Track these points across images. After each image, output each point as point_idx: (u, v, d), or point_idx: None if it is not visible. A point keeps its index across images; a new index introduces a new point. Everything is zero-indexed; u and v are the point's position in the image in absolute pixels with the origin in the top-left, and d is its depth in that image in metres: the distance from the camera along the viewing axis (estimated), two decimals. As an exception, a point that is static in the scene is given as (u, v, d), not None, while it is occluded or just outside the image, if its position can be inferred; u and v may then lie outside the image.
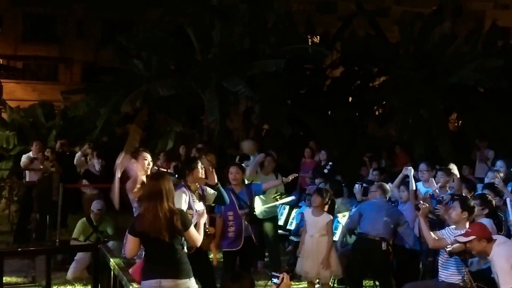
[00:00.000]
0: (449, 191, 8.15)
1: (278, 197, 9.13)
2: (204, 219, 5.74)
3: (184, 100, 15.56)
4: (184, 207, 6.15)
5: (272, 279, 4.52)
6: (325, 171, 11.07)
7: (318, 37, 19.67)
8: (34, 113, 17.67)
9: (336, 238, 8.28)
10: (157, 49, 15.80)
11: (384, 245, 7.33)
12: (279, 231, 9.66)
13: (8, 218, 12.68)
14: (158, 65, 16.00)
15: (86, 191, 12.49)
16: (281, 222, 10.06)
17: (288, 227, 10.18)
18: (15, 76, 31.03)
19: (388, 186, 8.05)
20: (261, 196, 8.74)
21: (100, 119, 16.26)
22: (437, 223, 7.26)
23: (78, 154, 13.17)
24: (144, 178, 6.06)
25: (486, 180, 8.42)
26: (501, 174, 8.23)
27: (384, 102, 18.01)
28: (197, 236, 5.34)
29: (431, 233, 6.39)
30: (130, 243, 5.24)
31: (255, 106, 15.16)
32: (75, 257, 8.92)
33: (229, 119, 15.24)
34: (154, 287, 5.13)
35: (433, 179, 8.22)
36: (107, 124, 16.32)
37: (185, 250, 5.39)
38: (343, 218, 8.79)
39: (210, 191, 6.61)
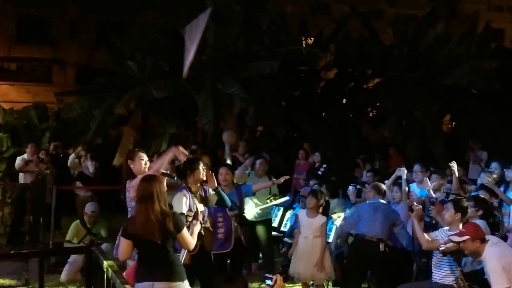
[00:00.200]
0: (443, 192, 8.16)
1: (272, 198, 9.14)
2: (198, 226, 5.73)
3: (178, 102, 15.53)
4: (185, 210, 6.17)
5: (266, 280, 4.53)
6: (319, 172, 11.12)
7: (312, 39, 19.69)
8: (27, 115, 17.64)
9: (330, 240, 8.29)
10: (151, 50, 15.77)
11: (381, 246, 7.26)
12: (273, 233, 9.69)
13: (1, 220, 12.63)
14: (152, 67, 15.97)
15: (79, 193, 12.48)
16: (275, 224, 10.08)
17: (282, 229, 10.19)
18: (8, 78, 31.00)
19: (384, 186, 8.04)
20: (255, 198, 8.78)
21: (94, 121, 16.22)
22: (430, 225, 7.28)
23: (72, 156, 13.15)
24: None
25: (479, 181, 8.44)
26: (494, 176, 8.26)
27: (378, 104, 18.05)
28: (190, 239, 5.32)
29: (425, 234, 6.41)
30: (123, 245, 5.22)
31: (249, 107, 15.16)
32: (68, 260, 8.90)
33: (223, 120, 15.22)
34: (147, 290, 5.11)
35: (427, 179, 8.25)
36: (101, 126, 16.27)
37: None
38: (337, 220, 8.80)
39: (213, 192, 6.64)
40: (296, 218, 8.72)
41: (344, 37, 18.64)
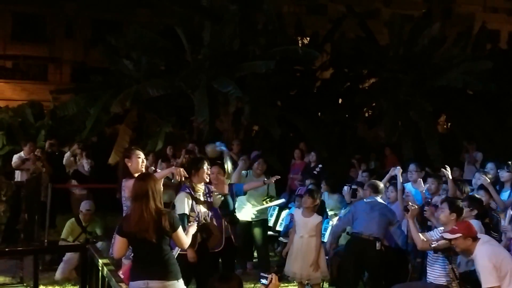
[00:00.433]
0: (441, 194, 8.15)
1: (268, 200, 9.15)
2: (195, 227, 5.74)
3: (174, 100, 15.54)
4: (187, 210, 6.19)
5: (261, 280, 4.52)
6: (315, 172, 11.12)
7: (308, 38, 19.68)
8: (23, 113, 17.59)
9: (325, 239, 8.30)
10: (147, 49, 15.76)
11: (378, 245, 7.24)
12: (269, 232, 9.70)
13: (-4, 218, 12.62)
14: (148, 66, 15.96)
15: (75, 191, 12.47)
16: (270, 223, 10.10)
17: (277, 228, 10.21)
18: (4, 76, 30.92)
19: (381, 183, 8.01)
20: (252, 199, 8.81)
21: (90, 119, 16.19)
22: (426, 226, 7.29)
23: (67, 154, 13.13)
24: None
25: (474, 181, 8.45)
26: (489, 176, 8.27)
27: (373, 104, 18.09)
28: (185, 238, 5.32)
29: (420, 234, 6.41)
30: (118, 243, 5.22)
31: (245, 107, 15.16)
32: (63, 258, 8.88)
33: (219, 120, 15.23)
34: (142, 288, 5.11)
35: (421, 180, 8.24)
36: (96, 124, 16.25)
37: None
38: (333, 219, 8.82)
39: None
40: (291, 217, 8.73)
41: (340, 37, 18.66)
